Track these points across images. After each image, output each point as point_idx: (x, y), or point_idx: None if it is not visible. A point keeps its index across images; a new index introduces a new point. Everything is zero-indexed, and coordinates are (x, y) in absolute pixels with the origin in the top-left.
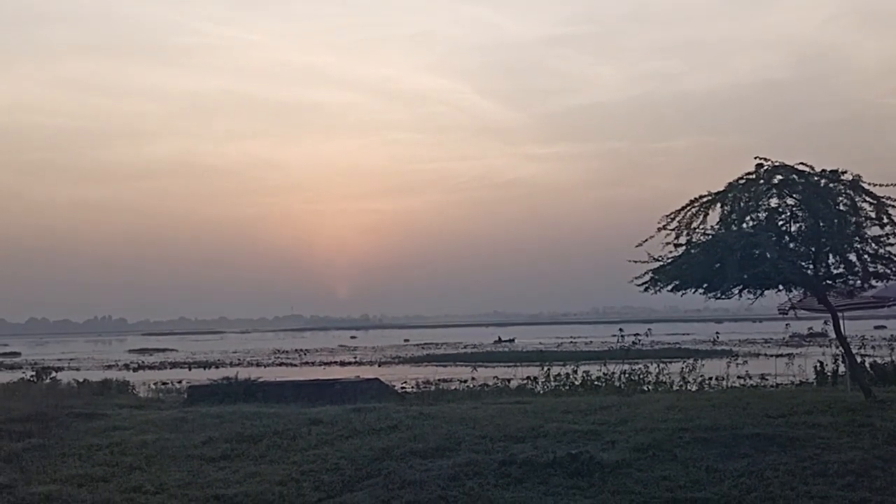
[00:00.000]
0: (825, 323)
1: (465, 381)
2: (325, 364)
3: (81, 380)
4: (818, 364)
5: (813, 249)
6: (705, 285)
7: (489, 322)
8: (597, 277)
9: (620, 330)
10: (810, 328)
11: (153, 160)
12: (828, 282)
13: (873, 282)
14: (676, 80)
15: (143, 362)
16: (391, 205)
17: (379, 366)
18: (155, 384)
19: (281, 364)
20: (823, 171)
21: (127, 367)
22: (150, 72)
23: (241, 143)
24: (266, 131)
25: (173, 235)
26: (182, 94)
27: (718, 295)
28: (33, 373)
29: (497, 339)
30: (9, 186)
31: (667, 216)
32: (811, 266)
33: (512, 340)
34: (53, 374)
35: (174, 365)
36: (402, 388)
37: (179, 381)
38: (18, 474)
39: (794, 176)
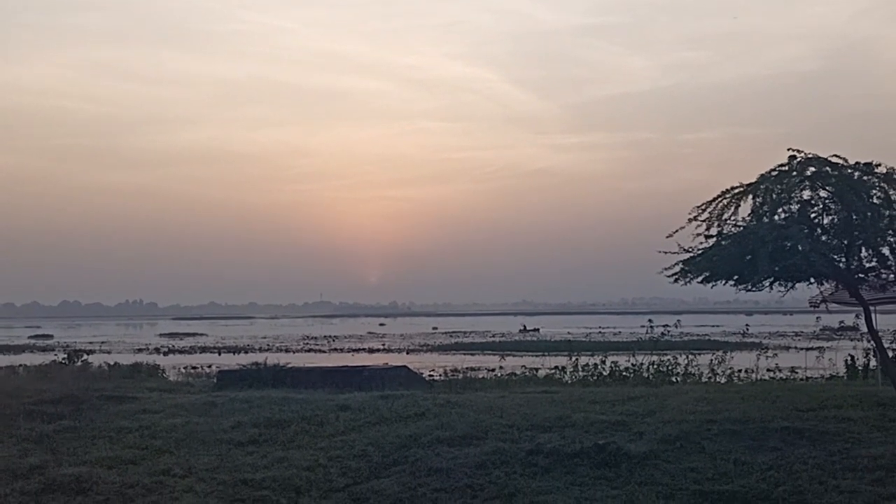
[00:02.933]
0: (857, 317)
1: (493, 370)
2: (354, 351)
3: (112, 363)
4: (849, 358)
5: (845, 242)
6: (736, 277)
7: (517, 311)
8: (626, 268)
9: (649, 321)
10: (841, 322)
11: (184, 147)
12: (860, 275)
13: None
14: (707, 71)
15: (173, 346)
16: (420, 193)
17: (407, 353)
18: (185, 368)
19: (310, 350)
20: (857, 163)
21: (157, 350)
22: (181, 59)
23: (272, 131)
24: (296, 119)
25: (204, 221)
26: (213, 81)
27: (749, 287)
28: (65, 355)
29: (522, 327)
30: (40, 171)
31: (698, 207)
32: (843, 259)
33: (537, 330)
34: (85, 356)
35: (204, 349)
36: (430, 375)
37: (209, 366)
38: (50, 455)
39: (828, 168)
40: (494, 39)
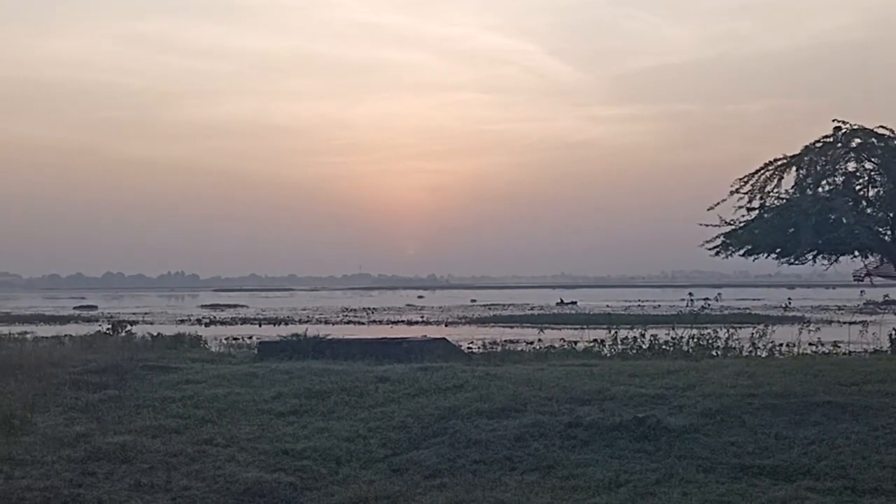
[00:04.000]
0: None
1: (532, 343)
2: (393, 323)
3: (155, 333)
4: (893, 332)
5: (891, 215)
6: (778, 250)
7: (556, 284)
8: (666, 241)
9: (690, 294)
10: (886, 295)
11: (224, 120)
12: None
13: None
14: (750, 41)
15: (214, 318)
16: (459, 165)
17: (446, 325)
18: (226, 339)
19: (349, 322)
20: None
21: (199, 321)
22: (220, 32)
23: (311, 104)
24: (335, 91)
25: (244, 194)
26: (252, 54)
27: (791, 260)
28: (109, 326)
29: (559, 300)
30: (83, 144)
31: (740, 179)
32: (889, 232)
33: (574, 303)
34: (128, 327)
35: (245, 321)
36: (469, 348)
37: (250, 337)
38: (95, 424)
39: (873, 139)
40: (533, 10)
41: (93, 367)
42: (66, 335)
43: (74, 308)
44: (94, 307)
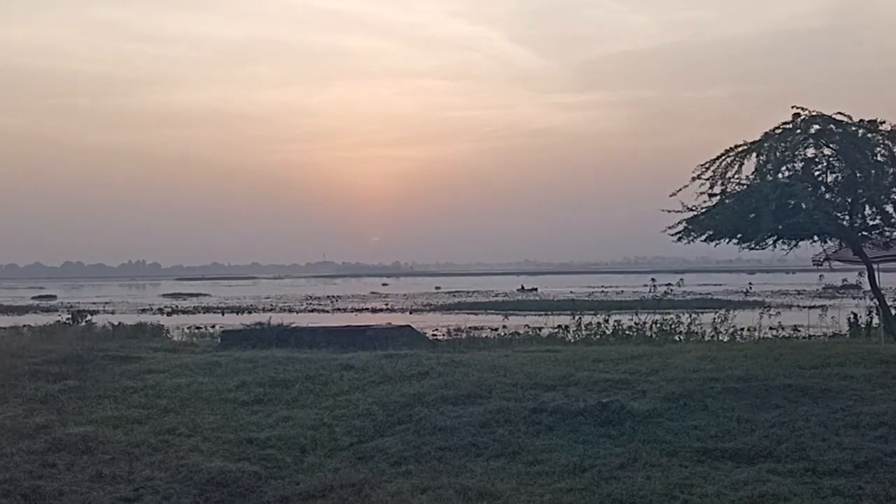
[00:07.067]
0: (860, 275)
1: (496, 329)
2: (357, 310)
3: (116, 323)
4: (852, 316)
5: (849, 200)
6: (739, 236)
7: (520, 271)
8: (628, 227)
9: (652, 280)
10: (844, 280)
11: (186, 107)
12: (863, 233)
13: None
14: (710, 28)
15: (176, 307)
16: (422, 153)
17: (410, 313)
18: (188, 328)
19: (313, 310)
20: (861, 120)
21: (161, 311)
22: (181, 19)
23: (274, 91)
24: (298, 79)
25: (207, 182)
26: (214, 42)
27: (752, 245)
28: (69, 316)
29: (520, 287)
30: (43, 132)
31: (701, 165)
32: (847, 217)
33: (535, 289)
34: (89, 317)
35: (207, 310)
36: (434, 335)
37: (213, 326)
38: (55, 415)
39: (832, 126)
40: None
41: (53, 357)
42: (24, 325)
43: (33, 298)
44: (53, 297)
